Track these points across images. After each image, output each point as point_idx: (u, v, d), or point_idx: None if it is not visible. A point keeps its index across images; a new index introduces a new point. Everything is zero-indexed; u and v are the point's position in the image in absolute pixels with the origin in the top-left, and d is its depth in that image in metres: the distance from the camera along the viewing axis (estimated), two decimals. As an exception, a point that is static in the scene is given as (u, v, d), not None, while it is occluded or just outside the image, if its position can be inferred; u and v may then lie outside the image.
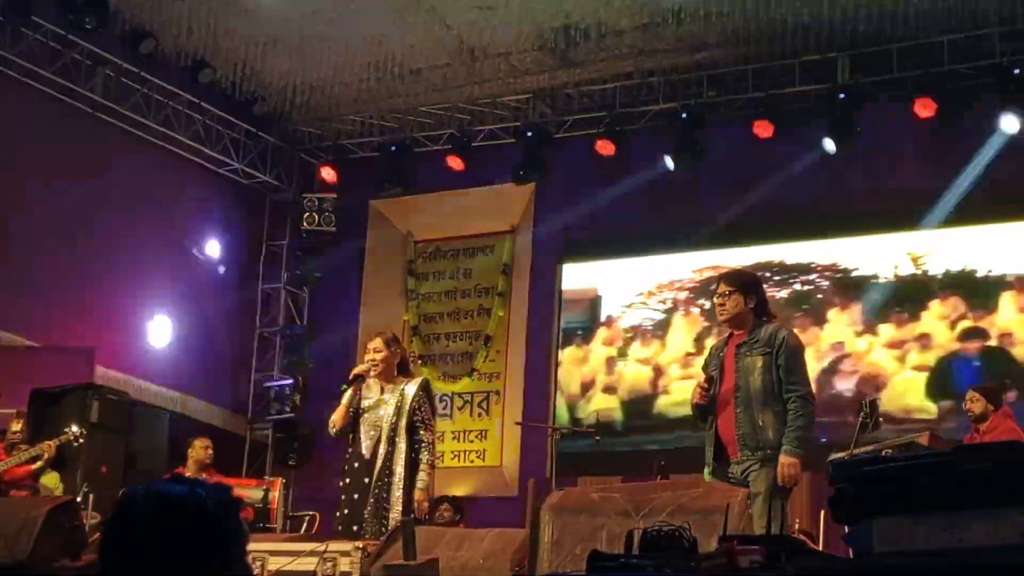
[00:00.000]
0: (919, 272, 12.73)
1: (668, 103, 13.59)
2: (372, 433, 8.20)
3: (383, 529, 7.71)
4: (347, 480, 8.22)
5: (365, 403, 8.27)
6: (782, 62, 13.10)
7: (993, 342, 12.40)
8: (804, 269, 13.27)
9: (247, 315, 15.36)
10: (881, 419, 9.53)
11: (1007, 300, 12.35)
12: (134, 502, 2.58)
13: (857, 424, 8.94)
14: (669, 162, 13.26)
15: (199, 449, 10.80)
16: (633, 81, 13.85)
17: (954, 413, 11.67)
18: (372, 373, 8.29)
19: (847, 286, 13.11)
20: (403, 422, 8.16)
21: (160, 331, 13.89)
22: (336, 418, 8.30)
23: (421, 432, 8.18)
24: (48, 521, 7.14)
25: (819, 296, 13.22)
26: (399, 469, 8.06)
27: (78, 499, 8.79)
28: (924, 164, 12.57)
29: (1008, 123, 12.08)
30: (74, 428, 10.01)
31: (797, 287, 13.27)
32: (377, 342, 8.41)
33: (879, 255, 12.96)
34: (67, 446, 10.05)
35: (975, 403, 9.53)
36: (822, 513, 9.23)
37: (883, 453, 8.42)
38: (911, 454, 7.11)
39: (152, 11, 12.96)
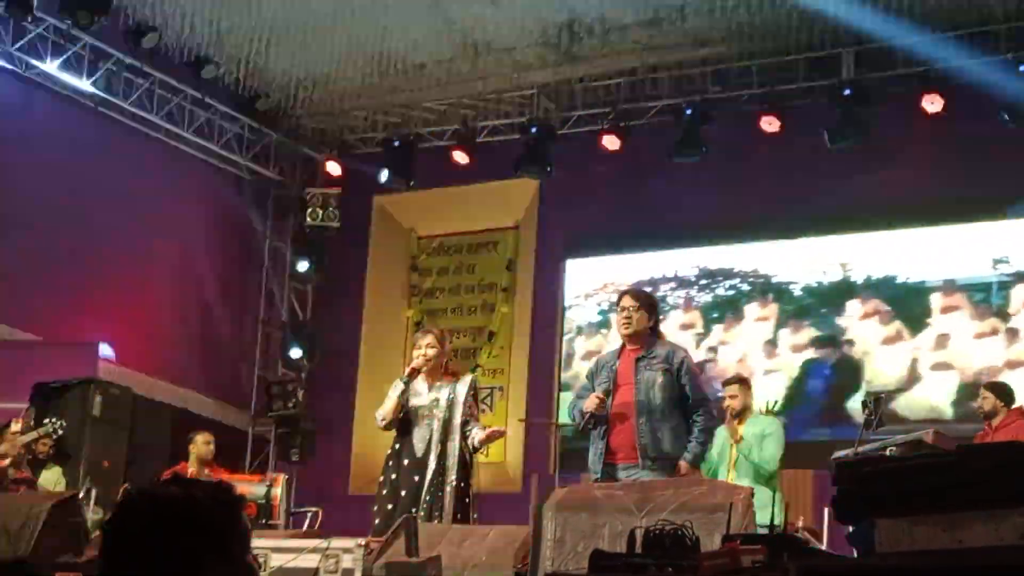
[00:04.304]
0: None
1: (673, 99, 13.58)
2: (426, 432, 8.20)
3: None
4: (393, 476, 8.19)
5: (415, 400, 8.26)
6: (787, 57, 13.08)
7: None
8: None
9: (250, 310, 15.35)
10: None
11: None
12: (131, 505, 2.58)
13: (862, 422, 8.93)
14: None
15: (201, 444, 10.77)
16: (637, 77, 13.85)
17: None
18: (425, 368, 8.29)
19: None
20: (456, 420, 8.19)
21: (164, 326, 13.88)
22: (386, 412, 8.26)
23: (471, 423, 8.23)
24: (50, 517, 7.13)
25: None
26: (452, 473, 8.11)
27: (80, 495, 8.77)
28: (929, 160, 12.56)
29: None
30: (53, 421, 9.89)
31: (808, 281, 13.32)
32: (430, 339, 8.42)
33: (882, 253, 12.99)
34: (49, 437, 9.92)
35: (985, 400, 9.53)
36: (825, 511, 9.20)
37: (887, 451, 8.42)
38: (913, 455, 7.10)
39: (155, 5, 12.94)
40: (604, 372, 7.72)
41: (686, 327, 13.69)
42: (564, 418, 10.79)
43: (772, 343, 13.27)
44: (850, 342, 12.99)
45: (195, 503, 2.54)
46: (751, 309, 13.44)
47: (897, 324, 12.81)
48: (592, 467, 7.58)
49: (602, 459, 7.50)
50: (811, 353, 13.12)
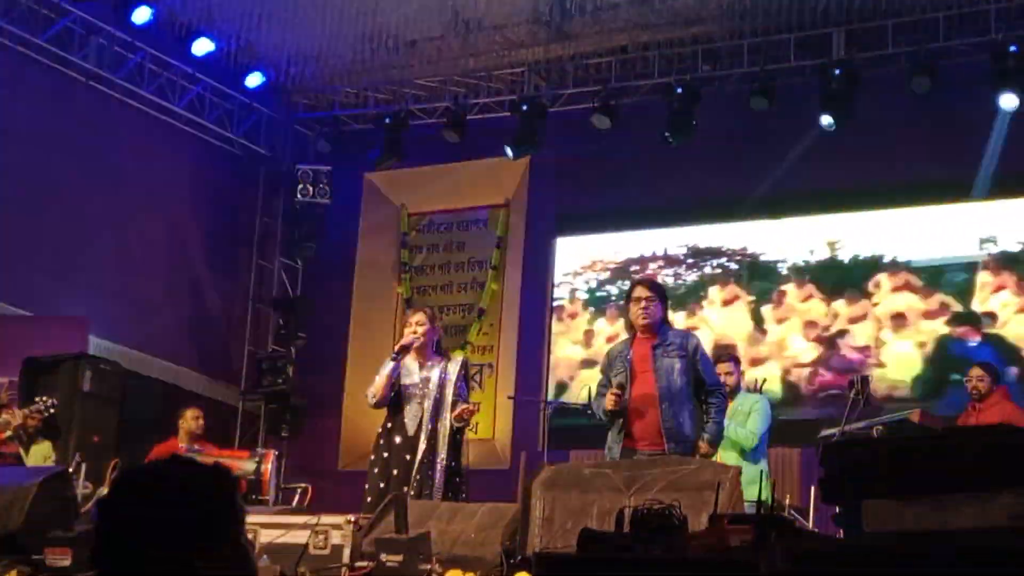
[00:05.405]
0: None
1: (663, 77, 13.57)
2: (417, 410, 8.24)
3: None
4: (385, 455, 8.25)
5: (406, 380, 8.30)
6: (777, 37, 13.08)
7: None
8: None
9: (241, 286, 15.34)
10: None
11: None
12: (129, 482, 2.61)
13: (848, 401, 8.96)
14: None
15: (190, 420, 10.79)
16: (628, 55, 13.83)
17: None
18: (415, 345, 8.31)
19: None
20: (447, 399, 8.23)
21: (154, 302, 13.87)
22: (377, 389, 8.33)
23: (460, 403, 8.32)
24: (40, 492, 7.16)
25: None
26: (442, 452, 8.15)
27: (70, 469, 8.79)
28: (919, 142, 12.57)
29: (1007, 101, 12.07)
30: (45, 400, 9.87)
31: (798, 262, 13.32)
32: (420, 316, 8.47)
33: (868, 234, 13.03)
34: (40, 414, 9.90)
35: (982, 382, 9.45)
36: (812, 489, 9.25)
37: (873, 431, 8.47)
38: (900, 436, 7.15)
39: (147, -21, 12.92)
40: (619, 363, 7.79)
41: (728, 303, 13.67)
42: (579, 397, 10.85)
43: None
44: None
45: (193, 482, 2.57)
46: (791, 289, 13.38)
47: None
48: (610, 453, 7.67)
49: (621, 446, 7.59)
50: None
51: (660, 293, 7.93)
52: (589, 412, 12.41)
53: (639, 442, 7.56)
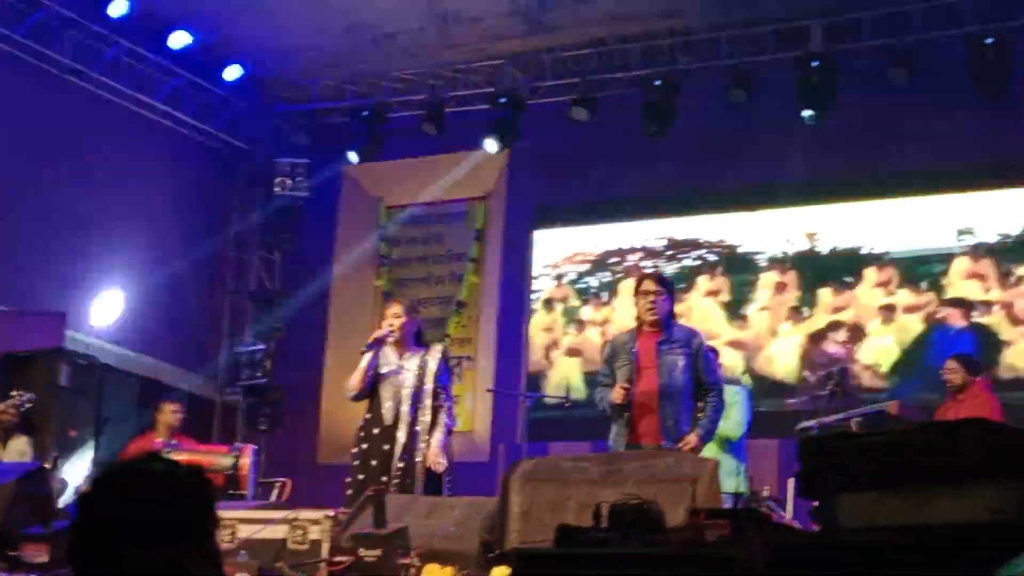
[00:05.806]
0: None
1: (641, 69, 13.56)
2: (393, 397, 8.25)
3: None
4: (364, 446, 8.26)
5: (384, 369, 8.32)
6: (755, 29, 13.09)
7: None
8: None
9: (219, 279, 15.30)
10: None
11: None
12: (107, 480, 2.60)
13: (826, 393, 8.99)
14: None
15: (168, 413, 10.76)
16: (607, 47, 13.82)
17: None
18: (390, 339, 8.32)
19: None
20: (426, 389, 8.24)
21: (131, 295, 13.81)
22: (354, 382, 8.36)
23: (441, 397, 8.32)
24: (18, 487, 7.14)
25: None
26: (422, 442, 8.14)
27: (47, 465, 8.75)
28: (897, 134, 12.60)
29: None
30: (21, 393, 9.81)
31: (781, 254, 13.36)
32: (396, 308, 8.50)
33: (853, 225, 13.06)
34: (16, 409, 9.84)
35: (955, 374, 9.45)
36: (790, 481, 9.28)
37: (851, 423, 8.50)
38: (877, 430, 7.16)
39: (122, -28, 12.84)
40: (623, 355, 7.77)
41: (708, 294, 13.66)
42: (574, 392, 10.88)
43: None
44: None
45: (173, 482, 2.57)
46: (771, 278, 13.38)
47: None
48: (613, 447, 7.66)
49: (626, 441, 7.58)
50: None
51: (668, 287, 7.93)
52: (567, 405, 12.45)
53: (642, 438, 7.57)
